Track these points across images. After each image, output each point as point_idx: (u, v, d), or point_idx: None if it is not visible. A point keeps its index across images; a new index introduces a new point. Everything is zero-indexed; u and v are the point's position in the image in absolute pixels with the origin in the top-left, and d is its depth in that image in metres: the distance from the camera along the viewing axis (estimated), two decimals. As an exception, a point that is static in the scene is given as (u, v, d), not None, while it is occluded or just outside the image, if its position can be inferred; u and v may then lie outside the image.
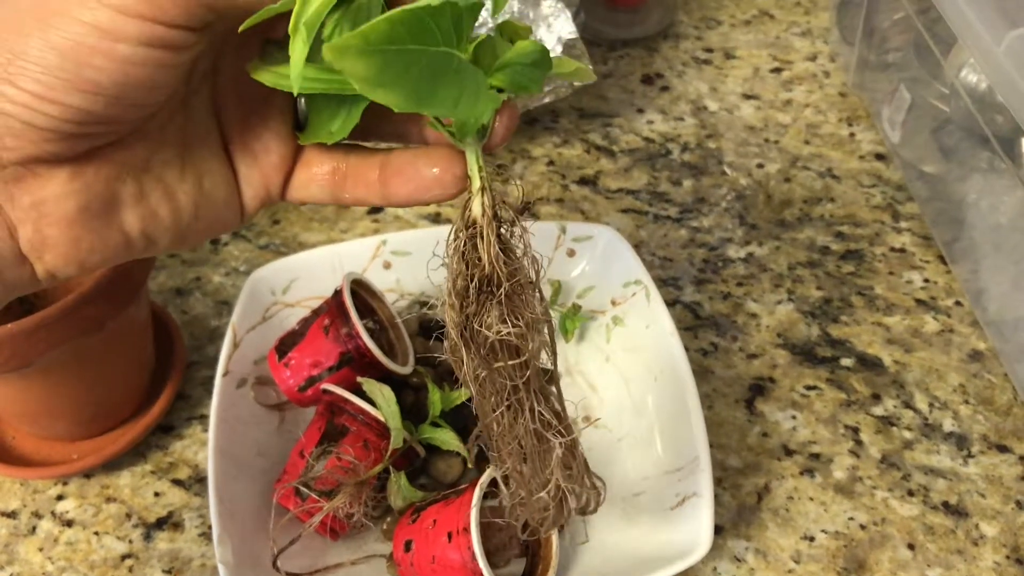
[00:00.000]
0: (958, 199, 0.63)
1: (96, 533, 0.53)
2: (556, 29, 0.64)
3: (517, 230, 0.34)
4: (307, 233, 0.69)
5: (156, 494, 0.55)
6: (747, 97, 0.79)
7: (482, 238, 0.33)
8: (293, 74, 0.29)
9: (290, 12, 0.29)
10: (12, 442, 0.56)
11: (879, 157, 0.72)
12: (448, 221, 0.70)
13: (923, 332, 0.60)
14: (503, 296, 0.33)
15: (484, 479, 0.45)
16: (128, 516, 0.54)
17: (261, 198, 0.35)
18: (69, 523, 0.54)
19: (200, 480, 0.55)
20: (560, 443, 0.35)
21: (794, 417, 0.56)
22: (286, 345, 0.54)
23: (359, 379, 0.50)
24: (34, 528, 0.53)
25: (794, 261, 0.65)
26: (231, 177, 0.34)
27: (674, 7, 0.87)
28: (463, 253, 0.34)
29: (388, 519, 0.50)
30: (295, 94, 0.31)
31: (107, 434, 0.56)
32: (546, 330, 0.35)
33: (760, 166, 0.73)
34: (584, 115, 0.78)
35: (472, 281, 0.33)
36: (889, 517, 0.52)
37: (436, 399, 0.51)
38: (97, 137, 0.29)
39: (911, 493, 0.53)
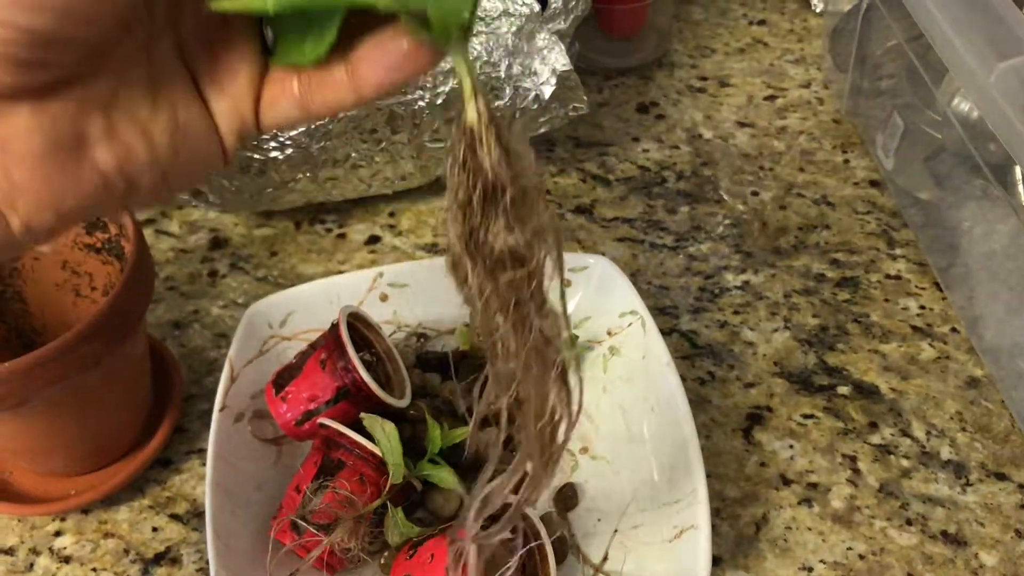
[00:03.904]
0: (952, 226, 0.63)
1: (94, 570, 0.53)
2: (550, 61, 0.65)
3: (513, 132, 0.33)
4: (305, 264, 0.70)
5: (154, 529, 0.55)
6: (742, 125, 0.79)
7: (482, 144, 0.32)
8: None
9: None
10: (9, 478, 0.56)
11: (873, 184, 0.73)
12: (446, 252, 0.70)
13: (919, 359, 0.61)
14: (508, 202, 0.32)
15: (481, 513, 0.45)
16: (126, 552, 0.54)
17: (236, 129, 0.34)
18: (67, 559, 0.53)
19: (198, 515, 0.55)
20: (557, 361, 0.35)
21: (791, 446, 0.56)
22: (283, 379, 0.54)
23: (362, 415, 0.50)
24: (32, 565, 0.53)
25: (790, 289, 0.66)
26: (205, 110, 0.33)
27: (668, 36, 0.87)
28: (463, 163, 0.32)
29: (385, 554, 0.49)
30: (271, 12, 0.30)
31: (105, 469, 0.56)
32: (552, 239, 0.34)
33: (755, 193, 0.73)
34: (580, 144, 0.78)
35: (475, 190, 0.32)
36: (888, 547, 0.51)
37: (436, 436, 0.51)
38: (53, 65, 0.29)
39: (909, 522, 0.53)
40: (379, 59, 0.32)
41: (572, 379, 0.36)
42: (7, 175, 0.29)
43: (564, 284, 0.35)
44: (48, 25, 0.27)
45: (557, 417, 0.36)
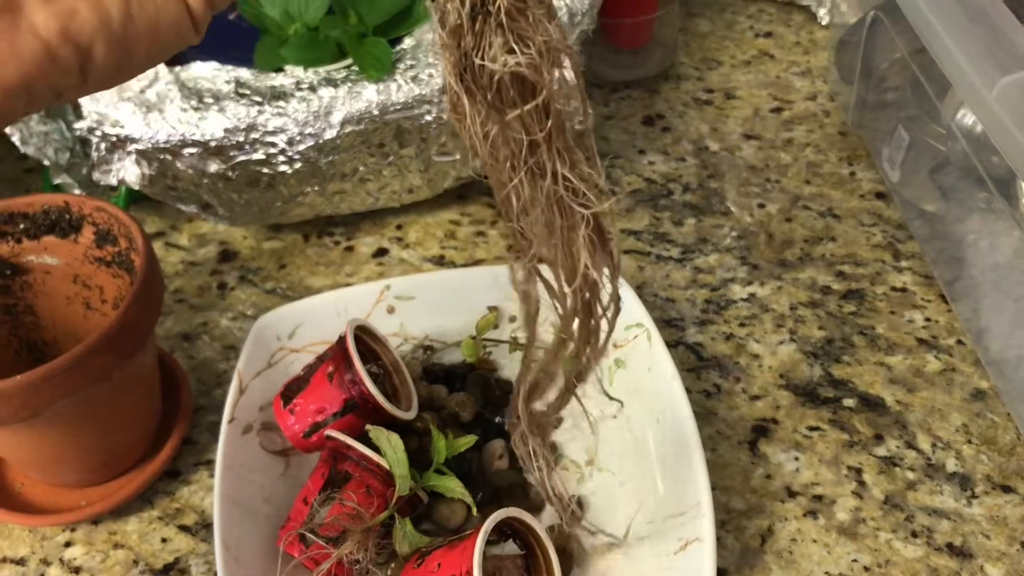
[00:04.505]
0: (957, 238, 0.64)
1: (103, 580, 0.53)
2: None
3: None
4: (313, 277, 0.70)
5: (163, 540, 0.55)
6: (748, 137, 0.80)
7: None
8: None
9: None
10: (21, 489, 0.57)
11: (879, 196, 0.73)
12: (453, 264, 0.70)
13: (925, 372, 0.61)
14: (503, 15, 0.27)
15: (488, 524, 0.45)
16: (135, 563, 0.54)
17: None
18: (77, 570, 0.54)
19: (207, 526, 0.56)
20: (586, 216, 0.29)
21: (797, 458, 0.56)
22: (291, 391, 0.54)
23: (367, 427, 0.50)
24: (43, 575, 0.54)
25: (796, 301, 0.66)
26: None
27: (675, 48, 0.88)
28: None
29: (392, 565, 0.50)
30: None
31: (115, 480, 0.57)
32: (567, 62, 0.28)
33: (761, 206, 0.73)
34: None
35: (464, 5, 0.27)
36: (893, 559, 0.52)
37: (441, 446, 0.51)
38: None
39: (915, 534, 0.53)
40: None
41: (610, 234, 0.30)
42: None
43: (588, 123, 0.29)
44: None
45: (591, 280, 0.30)
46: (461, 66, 0.28)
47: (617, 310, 0.32)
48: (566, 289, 0.31)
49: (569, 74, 0.28)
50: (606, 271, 0.31)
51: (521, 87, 0.28)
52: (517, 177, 0.28)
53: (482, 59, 0.27)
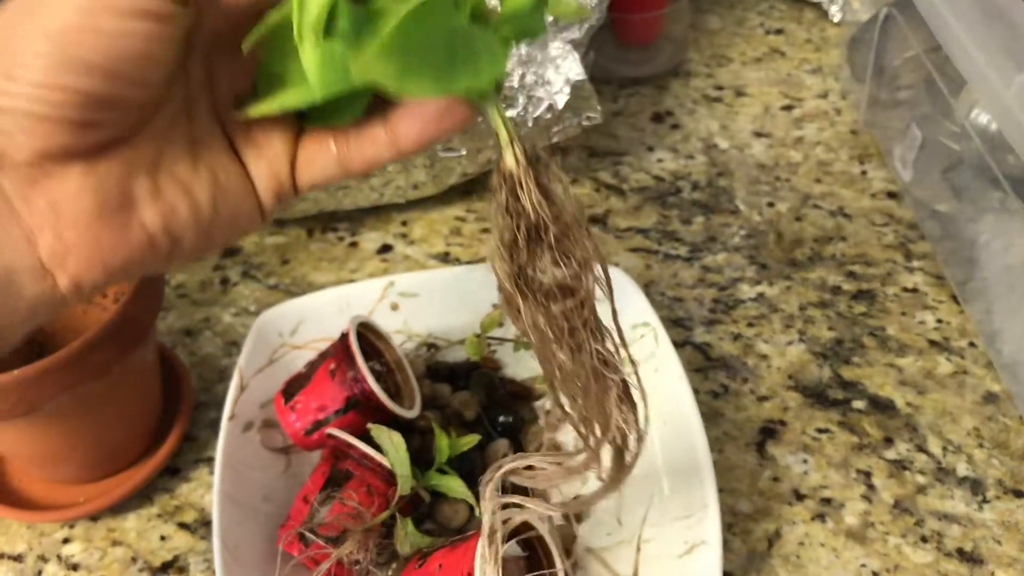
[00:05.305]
0: (970, 239, 0.63)
1: (101, 577, 0.53)
2: (564, 71, 0.64)
3: (551, 173, 0.35)
4: (316, 273, 0.69)
5: (162, 538, 0.54)
6: (758, 135, 0.79)
7: (522, 188, 0.34)
8: (314, 80, 0.30)
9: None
10: (19, 485, 0.56)
11: (891, 195, 0.72)
12: (458, 261, 0.70)
13: (936, 374, 0.60)
14: (553, 240, 0.34)
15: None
16: (134, 560, 0.54)
17: (274, 189, 0.35)
18: (75, 567, 0.53)
19: (206, 524, 0.55)
20: (616, 380, 0.36)
21: (805, 461, 0.56)
22: (292, 388, 0.54)
23: (369, 425, 0.50)
24: (40, 572, 0.53)
25: (805, 301, 0.65)
26: (243, 170, 0.35)
27: (684, 45, 0.87)
28: (506, 207, 0.34)
29: (393, 565, 0.49)
30: (319, 101, 0.32)
31: (114, 477, 0.56)
32: (598, 266, 0.35)
33: (771, 204, 0.72)
34: (593, 153, 0.78)
35: (520, 231, 0.34)
36: (902, 564, 0.51)
37: (443, 445, 0.50)
38: (103, 126, 0.30)
39: (924, 539, 0.52)
40: (417, 115, 0.33)
41: (635, 395, 0.38)
42: (58, 235, 0.30)
43: (614, 306, 0.36)
44: (98, 87, 0.29)
45: (624, 431, 0.37)
46: (515, 274, 0.34)
47: (638, 453, 0.38)
48: (600, 438, 0.37)
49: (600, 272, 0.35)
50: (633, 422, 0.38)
51: (562, 286, 0.34)
52: (561, 354, 0.35)
53: (534, 272, 0.34)
